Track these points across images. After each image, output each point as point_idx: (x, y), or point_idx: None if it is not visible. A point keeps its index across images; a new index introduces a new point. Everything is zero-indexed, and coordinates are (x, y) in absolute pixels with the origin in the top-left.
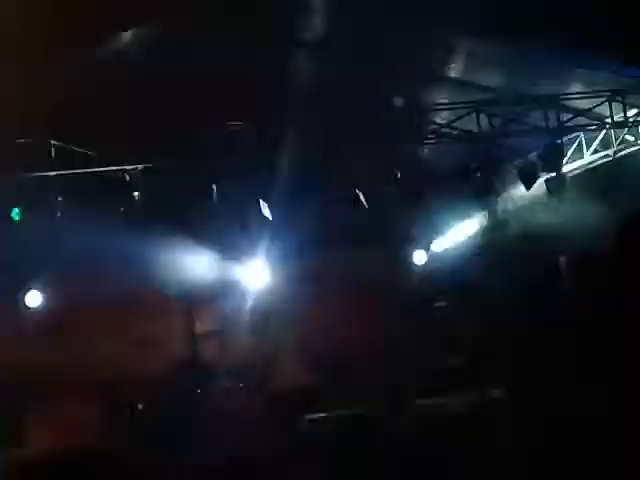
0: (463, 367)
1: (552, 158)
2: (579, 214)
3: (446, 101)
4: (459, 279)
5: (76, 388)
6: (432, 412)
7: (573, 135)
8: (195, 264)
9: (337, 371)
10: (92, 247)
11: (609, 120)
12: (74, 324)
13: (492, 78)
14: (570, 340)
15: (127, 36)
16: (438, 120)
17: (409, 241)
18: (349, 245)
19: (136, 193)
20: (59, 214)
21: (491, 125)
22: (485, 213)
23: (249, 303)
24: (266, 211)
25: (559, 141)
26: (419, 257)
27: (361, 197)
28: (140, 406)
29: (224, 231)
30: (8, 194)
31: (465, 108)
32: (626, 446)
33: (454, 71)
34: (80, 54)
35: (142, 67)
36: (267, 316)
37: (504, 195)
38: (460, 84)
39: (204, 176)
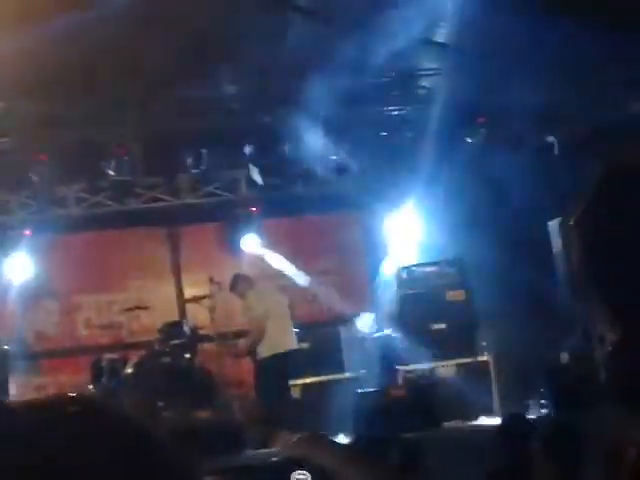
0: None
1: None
2: None
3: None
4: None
5: (66, 352)
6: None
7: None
8: None
9: (323, 339)
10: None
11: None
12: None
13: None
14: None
15: None
16: (425, 84)
17: None
18: None
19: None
20: None
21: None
22: None
23: None
24: (256, 176)
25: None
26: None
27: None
28: (129, 371)
29: None
30: None
31: (455, 72)
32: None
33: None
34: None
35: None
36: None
37: None
38: (450, 48)
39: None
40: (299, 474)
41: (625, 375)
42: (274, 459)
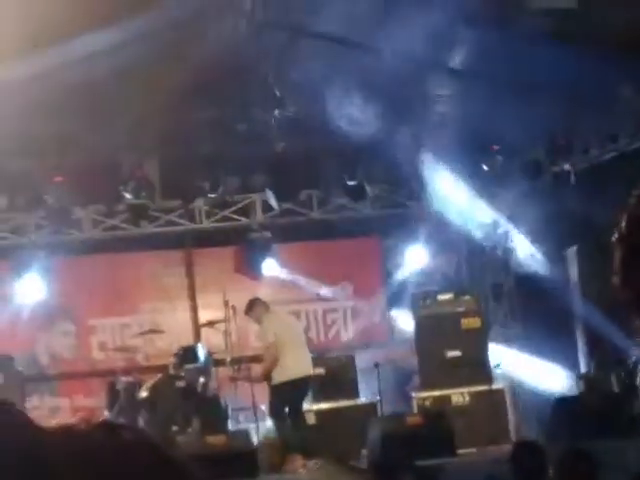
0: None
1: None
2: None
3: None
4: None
5: (81, 374)
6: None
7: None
8: None
9: (339, 366)
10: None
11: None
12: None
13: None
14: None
15: None
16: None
17: None
18: None
19: None
20: None
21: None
22: None
23: None
24: (272, 201)
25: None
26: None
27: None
28: (144, 394)
29: None
30: None
31: (469, 99)
32: None
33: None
34: None
35: None
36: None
37: None
38: (464, 74)
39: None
40: None
41: None
42: None
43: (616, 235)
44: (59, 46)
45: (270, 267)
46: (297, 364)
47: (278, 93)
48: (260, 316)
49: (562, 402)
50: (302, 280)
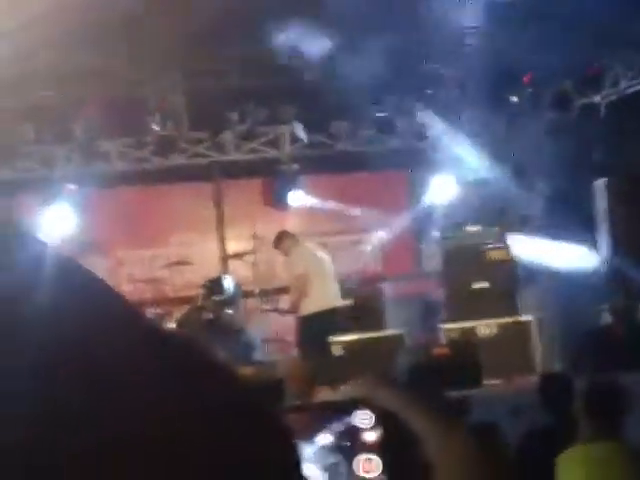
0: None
1: (588, 83)
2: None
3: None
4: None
5: None
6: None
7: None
8: None
9: (367, 297)
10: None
11: None
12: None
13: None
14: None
15: None
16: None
17: None
18: None
19: None
20: None
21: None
22: None
23: None
24: (301, 132)
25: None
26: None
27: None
28: (172, 325)
29: None
30: None
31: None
32: None
33: None
34: None
35: None
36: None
37: None
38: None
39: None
40: (362, 414)
41: None
42: (336, 399)
43: None
44: None
45: (298, 199)
46: (325, 296)
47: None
48: (289, 248)
49: (590, 333)
50: (330, 211)
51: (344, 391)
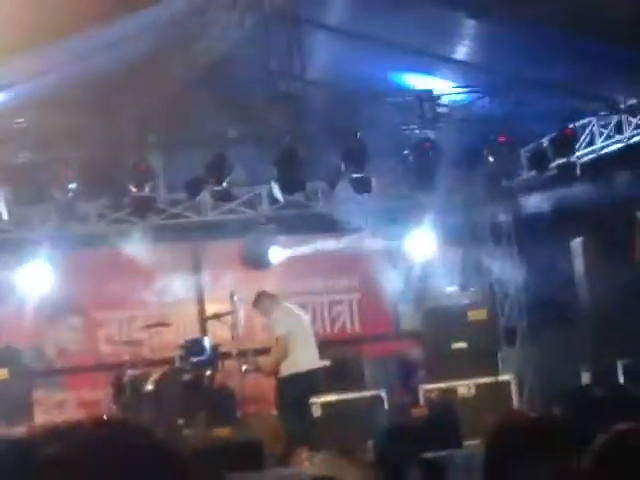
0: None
1: (564, 143)
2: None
3: (456, 84)
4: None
5: (87, 368)
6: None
7: (587, 120)
8: None
9: (345, 358)
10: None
11: (622, 105)
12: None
13: (504, 61)
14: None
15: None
16: (448, 104)
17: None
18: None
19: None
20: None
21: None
22: None
23: None
24: (278, 193)
25: (571, 126)
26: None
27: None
28: (150, 387)
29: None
30: None
31: (476, 92)
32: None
33: (464, 53)
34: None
35: None
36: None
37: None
38: (470, 67)
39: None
40: None
41: None
42: (300, 478)
43: None
44: (66, 40)
45: (276, 259)
46: (305, 357)
47: (284, 87)
48: (268, 309)
49: (568, 394)
50: (308, 272)
51: (307, 469)
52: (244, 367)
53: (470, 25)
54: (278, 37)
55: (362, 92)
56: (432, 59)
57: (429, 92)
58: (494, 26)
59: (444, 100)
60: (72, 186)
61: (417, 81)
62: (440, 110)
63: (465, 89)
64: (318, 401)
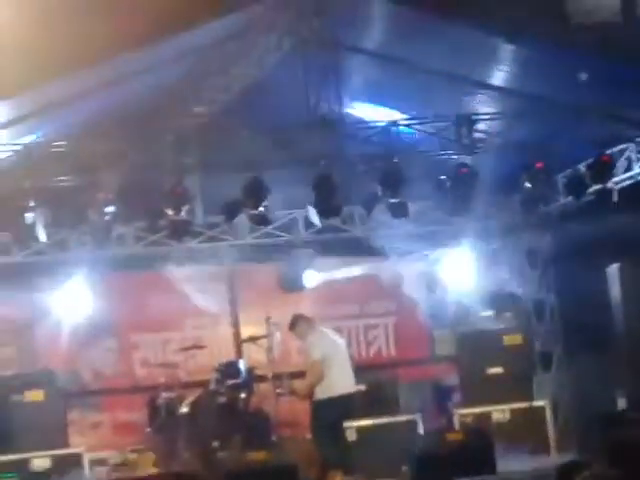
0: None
1: (601, 169)
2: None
3: (493, 110)
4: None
5: (122, 390)
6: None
7: (624, 146)
8: None
9: (380, 382)
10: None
11: None
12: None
13: (541, 85)
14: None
15: None
16: (486, 129)
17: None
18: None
19: None
20: None
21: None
22: None
23: None
24: (314, 217)
25: (608, 152)
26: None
27: (409, 207)
28: (185, 410)
29: None
30: None
31: (513, 117)
32: None
33: (501, 79)
34: None
35: None
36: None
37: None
38: (508, 92)
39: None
40: None
41: None
42: None
43: None
44: (103, 66)
45: (311, 283)
46: (341, 381)
47: (321, 111)
48: (304, 332)
49: (605, 418)
50: (343, 296)
51: None
52: (278, 390)
53: (507, 50)
54: (315, 61)
55: (399, 116)
56: (469, 84)
57: (466, 117)
58: (531, 51)
59: (481, 126)
60: (109, 209)
61: (453, 106)
62: (477, 135)
63: (502, 114)
64: (353, 425)
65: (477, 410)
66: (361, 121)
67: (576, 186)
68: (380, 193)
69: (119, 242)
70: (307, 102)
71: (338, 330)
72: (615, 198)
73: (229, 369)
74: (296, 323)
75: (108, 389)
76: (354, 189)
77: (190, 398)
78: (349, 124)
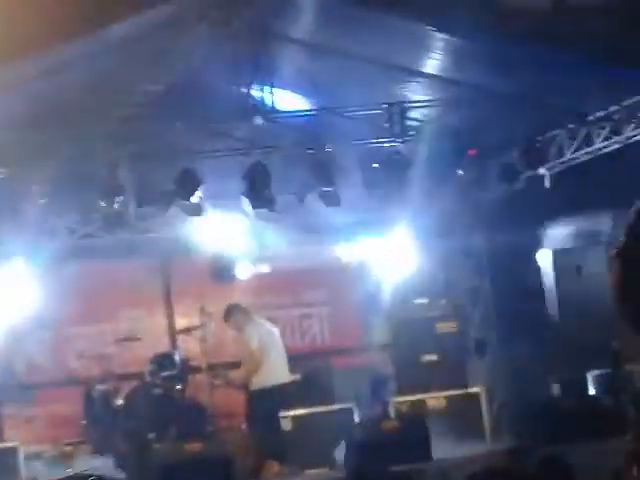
0: (437, 364)
1: (533, 156)
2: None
3: (426, 97)
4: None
5: (57, 383)
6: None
7: (556, 132)
8: None
9: (315, 371)
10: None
11: (591, 117)
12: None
13: (473, 73)
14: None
15: None
16: (419, 117)
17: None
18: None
19: None
20: None
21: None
22: None
23: None
24: (247, 208)
25: (540, 138)
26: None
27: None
28: (120, 402)
29: None
30: None
31: (446, 105)
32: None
33: (433, 67)
34: None
35: None
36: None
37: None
38: (440, 80)
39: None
40: None
41: None
42: None
43: (615, 250)
44: (33, 57)
45: (245, 273)
46: (277, 371)
47: (252, 101)
48: (240, 322)
49: (538, 405)
50: (277, 286)
51: None
52: (216, 382)
53: (439, 39)
54: (246, 50)
55: (330, 105)
56: (401, 72)
57: (398, 105)
58: (463, 40)
59: (414, 113)
60: (42, 201)
61: (385, 94)
62: (410, 123)
63: (434, 102)
64: (289, 415)
65: (412, 398)
66: (293, 110)
67: (509, 173)
68: (313, 182)
69: (52, 234)
70: (238, 92)
71: (272, 320)
72: (547, 184)
73: (164, 360)
74: (231, 313)
75: (43, 382)
76: (287, 179)
77: (125, 390)
78: (281, 113)
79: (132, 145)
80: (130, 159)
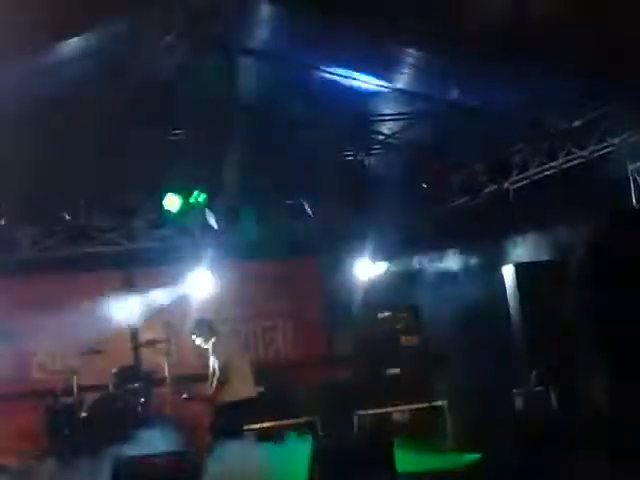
0: (401, 377)
1: (497, 170)
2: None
3: (391, 111)
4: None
5: (20, 395)
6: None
7: (519, 146)
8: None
9: (279, 384)
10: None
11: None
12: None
13: (439, 89)
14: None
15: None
16: (384, 130)
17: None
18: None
19: None
20: None
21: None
22: None
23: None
24: (212, 220)
25: (504, 152)
26: (363, 269)
27: (306, 208)
28: (83, 414)
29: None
30: None
31: (411, 119)
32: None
33: (400, 81)
34: None
35: None
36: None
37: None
38: (406, 94)
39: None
40: None
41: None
42: None
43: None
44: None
45: (210, 285)
46: (242, 385)
47: (218, 111)
48: (206, 335)
49: (500, 418)
50: (240, 298)
51: None
52: (183, 395)
53: (405, 53)
54: (210, 62)
55: (296, 117)
56: (368, 86)
57: (364, 118)
58: (430, 55)
59: (379, 127)
60: (5, 214)
61: (352, 107)
62: (375, 137)
63: (400, 116)
64: (253, 427)
65: (376, 411)
66: (258, 120)
67: (472, 186)
68: (277, 195)
69: (15, 247)
70: (204, 102)
71: (236, 332)
72: (511, 198)
73: (127, 373)
74: (197, 326)
75: (5, 395)
76: (252, 191)
77: (89, 403)
78: (247, 124)
79: (98, 157)
80: (95, 172)
